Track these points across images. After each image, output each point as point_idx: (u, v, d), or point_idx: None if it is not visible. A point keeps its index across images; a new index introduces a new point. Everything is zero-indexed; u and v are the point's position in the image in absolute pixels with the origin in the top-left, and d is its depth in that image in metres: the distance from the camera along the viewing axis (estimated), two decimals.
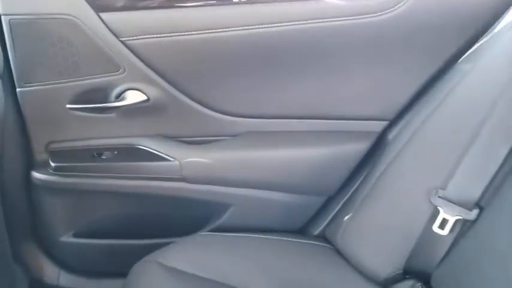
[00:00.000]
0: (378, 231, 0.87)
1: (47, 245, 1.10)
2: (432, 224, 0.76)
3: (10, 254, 0.99)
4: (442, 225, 0.75)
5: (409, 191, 0.83)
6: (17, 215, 1.04)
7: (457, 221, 0.73)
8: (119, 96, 0.92)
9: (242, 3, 0.90)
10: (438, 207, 0.76)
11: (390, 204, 0.86)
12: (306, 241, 0.98)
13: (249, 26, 0.86)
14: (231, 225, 1.02)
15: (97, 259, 1.10)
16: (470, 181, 0.74)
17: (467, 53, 0.86)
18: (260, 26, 0.86)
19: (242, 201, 1.00)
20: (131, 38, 0.87)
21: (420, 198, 0.79)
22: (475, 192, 0.73)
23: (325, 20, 0.84)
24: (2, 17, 0.85)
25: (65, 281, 1.11)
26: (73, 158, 0.98)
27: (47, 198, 1.02)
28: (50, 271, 1.10)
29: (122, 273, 1.07)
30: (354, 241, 0.90)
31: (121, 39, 0.87)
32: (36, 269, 1.10)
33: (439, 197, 0.76)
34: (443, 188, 0.76)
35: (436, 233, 0.76)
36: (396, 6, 0.82)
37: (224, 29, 0.87)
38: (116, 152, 0.98)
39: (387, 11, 0.82)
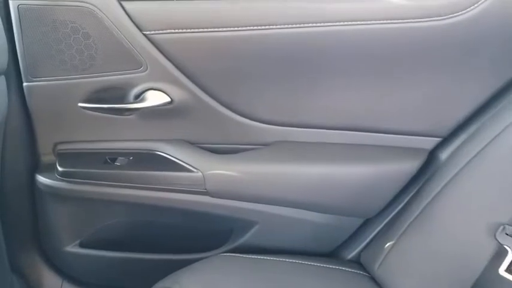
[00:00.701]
0: (427, 265, 0.77)
1: (50, 255, 1.02)
2: (498, 266, 0.67)
3: (7, 262, 0.93)
4: (511, 269, 0.65)
5: (468, 223, 0.73)
6: (18, 220, 0.97)
7: None
8: (139, 97, 0.83)
9: None
10: (506, 247, 0.66)
11: (443, 235, 0.76)
12: (339, 267, 0.88)
13: (289, 24, 0.76)
14: (254, 244, 0.94)
15: (104, 272, 1.02)
16: None
17: None
18: (302, 25, 0.76)
19: (269, 219, 0.91)
20: (156, 32, 0.78)
21: (482, 233, 0.70)
22: None
23: (381, 21, 0.74)
24: (10, 2, 0.76)
25: None
26: (83, 162, 0.89)
27: (51, 205, 0.94)
28: (51, 282, 1.03)
29: None
30: (395, 272, 0.81)
31: (145, 32, 0.78)
32: (37, 280, 1.02)
33: (507, 234, 0.67)
34: None
35: (502, 277, 0.66)
36: (468, 9, 0.71)
37: (260, 27, 0.77)
38: (131, 158, 0.89)
39: (457, 13, 0.72)
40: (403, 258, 0.81)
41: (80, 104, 0.83)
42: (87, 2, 0.75)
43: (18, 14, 0.75)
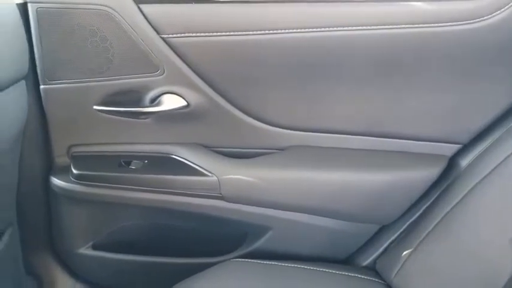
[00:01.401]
0: (448, 276, 0.75)
1: (63, 256, 1.01)
2: None
3: (22, 264, 0.92)
4: None
5: (491, 233, 0.71)
6: (32, 221, 0.96)
7: None
8: (155, 100, 0.82)
9: (302, 2, 0.77)
10: None
11: (465, 246, 0.74)
12: (354, 274, 0.87)
13: (308, 28, 0.75)
14: (268, 250, 0.92)
15: (116, 274, 1.01)
16: None
17: None
18: (322, 29, 0.75)
19: (284, 225, 0.90)
20: (174, 36, 0.77)
21: (506, 245, 0.68)
22: None
23: (404, 26, 0.73)
24: (29, 5, 0.75)
25: None
26: (97, 165, 0.88)
27: (65, 207, 0.93)
28: (64, 284, 1.02)
29: None
30: (414, 281, 0.80)
31: (162, 36, 0.77)
32: (50, 282, 1.01)
33: None
34: None
35: None
36: (493, 14, 0.70)
37: (279, 31, 0.76)
38: (146, 161, 0.88)
39: (483, 18, 0.70)
40: (421, 267, 0.79)
41: (96, 107, 0.82)
42: (105, 5, 0.74)
43: (37, 16, 0.75)
